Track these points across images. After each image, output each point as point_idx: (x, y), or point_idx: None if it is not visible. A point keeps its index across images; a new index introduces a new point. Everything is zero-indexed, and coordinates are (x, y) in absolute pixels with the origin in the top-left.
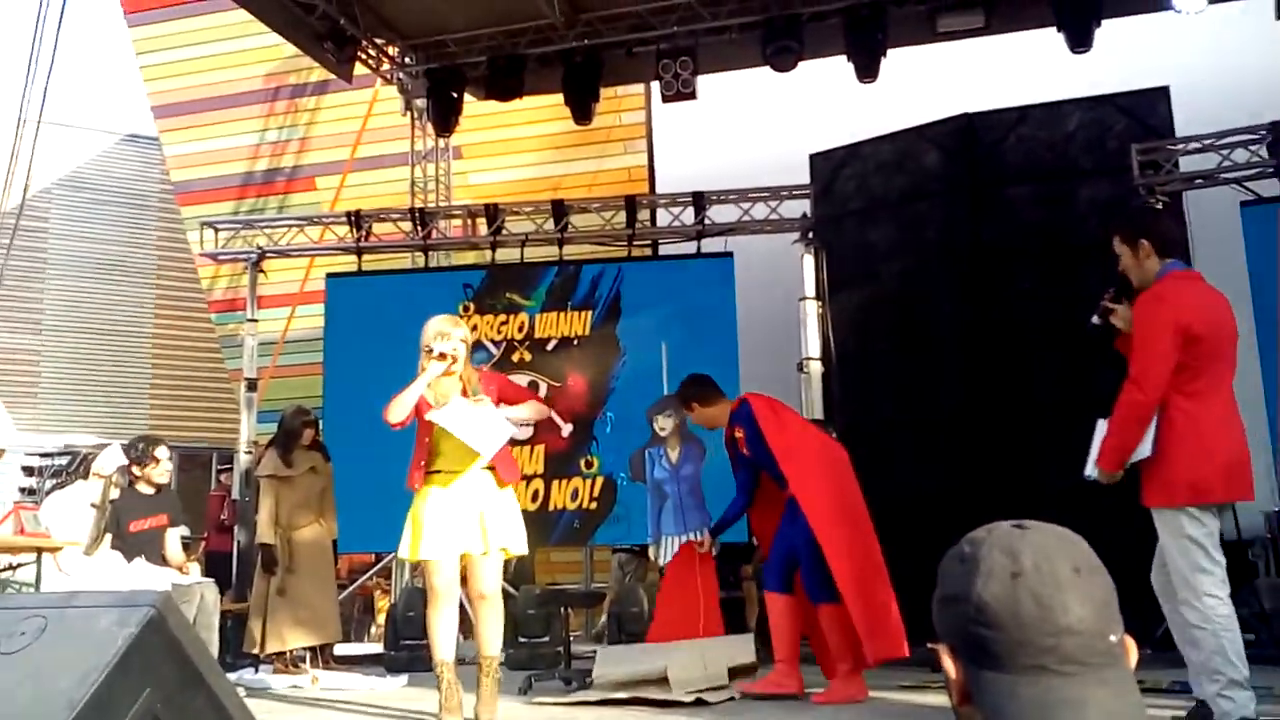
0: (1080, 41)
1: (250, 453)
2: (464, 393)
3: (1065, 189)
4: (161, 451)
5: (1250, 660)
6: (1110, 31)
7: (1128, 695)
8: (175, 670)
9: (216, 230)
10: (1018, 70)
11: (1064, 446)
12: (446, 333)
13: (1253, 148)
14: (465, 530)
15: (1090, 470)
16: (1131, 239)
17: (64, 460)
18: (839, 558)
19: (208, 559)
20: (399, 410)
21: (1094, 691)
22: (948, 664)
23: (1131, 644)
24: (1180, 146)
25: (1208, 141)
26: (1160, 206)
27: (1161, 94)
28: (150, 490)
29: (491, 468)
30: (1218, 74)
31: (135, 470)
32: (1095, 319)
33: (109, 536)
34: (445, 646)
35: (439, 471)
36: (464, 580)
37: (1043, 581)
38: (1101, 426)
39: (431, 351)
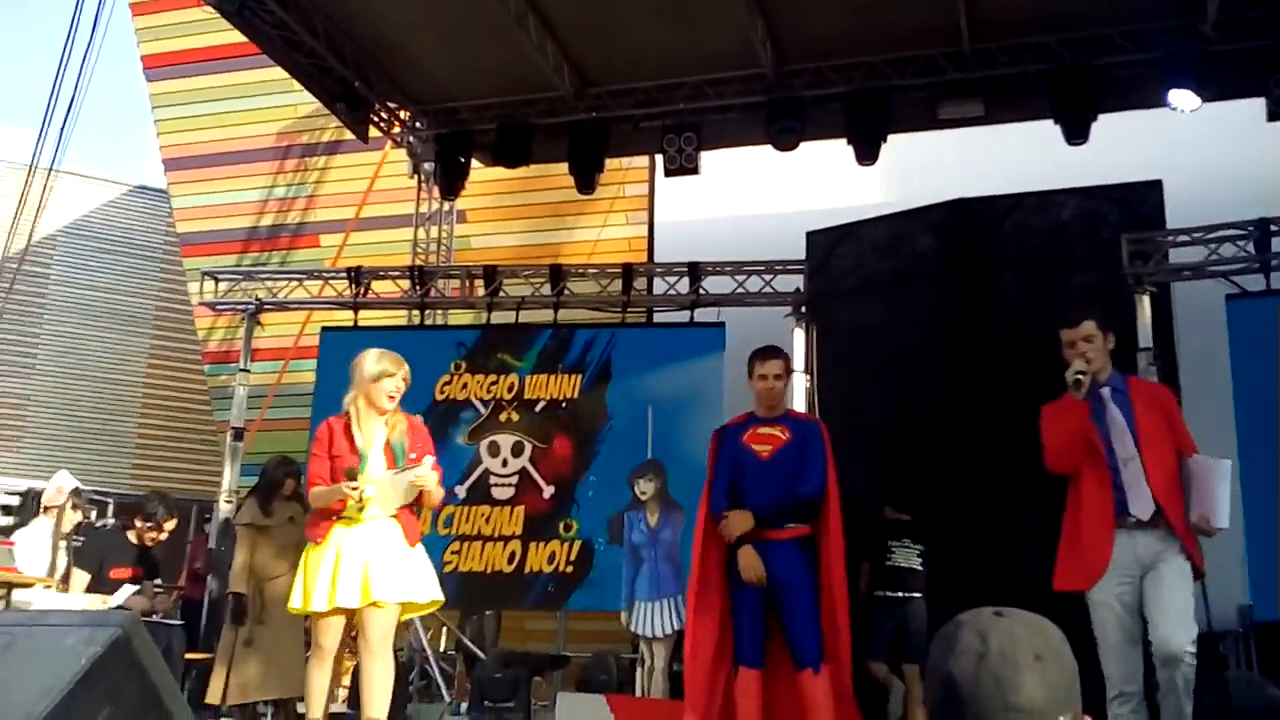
0: (1077, 133)
1: (230, 502)
2: (387, 445)
3: (1058, 276)
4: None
5: None
6: (1106, 124)
7: None
8: (137, 692)
9: (217, 280)
10: (1015, 157)
11: (1047, 537)
12: (390, 372)
13: (1240, 243)
14: (351, 580)
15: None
16: (1106, 329)
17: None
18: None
19: (183, 606)
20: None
21: None
22: None
23: None
24: (1170, 238)
25: (1196, 235)
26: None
27: (1154, 187)
28: (142, 543)
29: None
30: (1210, 169)
31: (139, 523)
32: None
33: (86, 576)
34: (317, 705)
35: (345, 518)
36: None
37: (1004, 664)
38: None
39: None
